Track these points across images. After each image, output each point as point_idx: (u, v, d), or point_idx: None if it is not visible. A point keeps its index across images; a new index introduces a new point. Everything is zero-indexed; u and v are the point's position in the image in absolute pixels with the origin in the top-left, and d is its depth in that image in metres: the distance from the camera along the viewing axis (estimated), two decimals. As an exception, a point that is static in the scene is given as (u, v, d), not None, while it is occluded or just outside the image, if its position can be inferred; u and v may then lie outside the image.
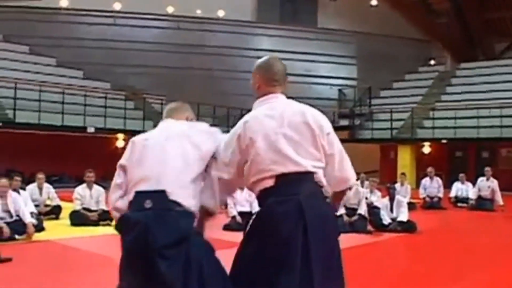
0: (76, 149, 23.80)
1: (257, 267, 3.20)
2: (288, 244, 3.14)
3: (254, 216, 3.34)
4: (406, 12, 30.45)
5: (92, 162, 21.97)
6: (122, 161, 3.49)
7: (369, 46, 34.09)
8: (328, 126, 3.58)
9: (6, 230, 8.95)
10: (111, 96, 24.81)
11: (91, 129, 22.96)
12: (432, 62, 35.40)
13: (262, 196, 3.34)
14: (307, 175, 3.33)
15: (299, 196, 3.21)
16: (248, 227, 3.36)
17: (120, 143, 25.35)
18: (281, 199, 3.21)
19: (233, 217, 11.50)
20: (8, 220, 9.37)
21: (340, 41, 34.68)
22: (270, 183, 3.29)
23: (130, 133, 24.22)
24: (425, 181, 17.96)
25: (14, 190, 10.19)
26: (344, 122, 30.69)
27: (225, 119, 27.67)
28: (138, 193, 3.24)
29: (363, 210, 11.59)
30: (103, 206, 11.79)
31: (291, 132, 3.42)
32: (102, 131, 23.50)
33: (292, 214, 3.17)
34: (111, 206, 3.46)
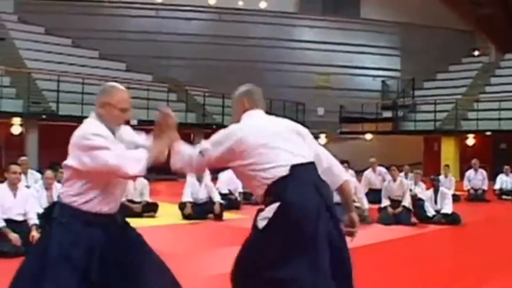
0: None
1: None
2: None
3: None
4: (450, 2, 30.09)
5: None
6: None
7: (412, 37, 33.73)
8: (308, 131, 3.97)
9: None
10: (153, 89, 25.01)
11: (133, 122, 23.17)
12: (476, 53, 34.94)
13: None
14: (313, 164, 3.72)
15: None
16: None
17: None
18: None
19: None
20: (54, 211, 9.52)
21: (383, 32, 34.36)
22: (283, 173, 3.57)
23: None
24: (469, 173, 17.84)
25: (59, 182, 10.36)
26: (387, 114, 30.54)
27: (268, 111, 27.73)
28: None
29: (407, 202, 11.59)
30: (147, 198, 11.95)
31: (286, 134, 3.80)
32: (144, 123, 23.71)
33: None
34: None
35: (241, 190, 14.38)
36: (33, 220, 7.94)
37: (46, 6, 30.23)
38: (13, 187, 8.02)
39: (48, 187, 9.70)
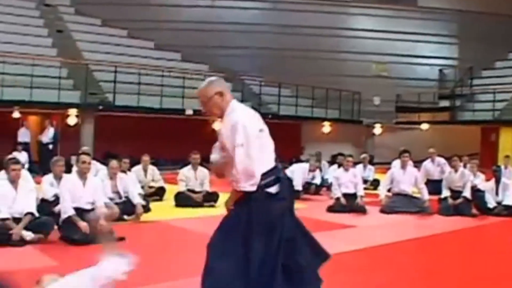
0: (173, 132, 24.41)
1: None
2: None
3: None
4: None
5: (189, 144, 22.66)
6: None
7: (470, 24, 33.19)
8: None
9: (116, 211, 9.38)
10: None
11: (189, 112, 23.49)
12: (537, 40, 34.26)
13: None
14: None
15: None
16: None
17: (217, 125, 25.79)
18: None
19: (337, 199, 11.68)
20: (117, 201, 9.85)
21: (440, 19, 33.90)
22: None
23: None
24: (528, 163, 17.62)
25: (122, 171, 10.69)
26: (445, 103, 30.32)
27: (323, 100, 27.78)
28: None
29: (468, 193, 11.57)
30: (207, 188, 12.21)
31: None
32: (200, 113, 23.96)
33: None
34: None
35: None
36: (102, 208, 8.28)
37: (102, -3, 30.84)
38: (83, 176, 8.35)
39: (112, 177, 10.04)
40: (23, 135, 20.77)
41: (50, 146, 20.62)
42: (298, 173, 14.05)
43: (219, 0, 32.34)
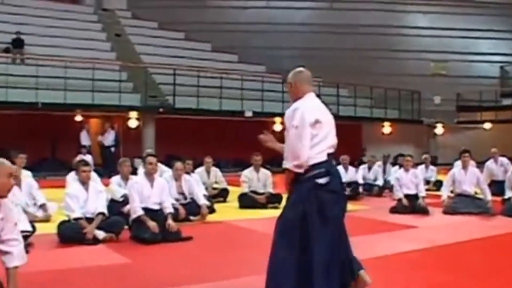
0: (232, 134, 24.76)
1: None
2: None
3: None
4: None
5: (248, 146, 22.95)
6: None
7: (532, 18, 32.89)
8: None
9: (182, 211, 9.72)
10: (267, 80, 25.57)
11: (249, 113, 23.83)
12: None
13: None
14: None
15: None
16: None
17: (277, 127, 25.96)
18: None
19: (399, 200, 11.80)
20: (183, 201, 10.22)
21: (501, 14, 33.53)
22: None
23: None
24: None
25: (187, 173, 11.06)
26: (507, 102, 29.98)
27: (382, 99, 27.82)
28: None
29: (533, 193, 11.56)
30: (270, 189, 12.49)
31: None
32: (259, 115, 24.29)
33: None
34: None
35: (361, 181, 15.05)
36: (169, 209, 8.64)
37: (158, 1, 31.49)
38: (150, 177, 8.73)
39: (177, 178, 10.42)
40: (84, 139, 21.40)
41: (112, 149, 21.24)
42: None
43: (274, 1, 32.68)
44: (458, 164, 13.47)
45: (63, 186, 12.35)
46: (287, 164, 4.67)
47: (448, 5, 33.43)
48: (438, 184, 16.19)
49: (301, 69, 5.10)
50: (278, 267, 4.67)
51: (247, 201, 12.22)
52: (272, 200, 12.29)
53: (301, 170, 4.60)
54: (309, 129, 4.64)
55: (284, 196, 12.36)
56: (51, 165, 21.25)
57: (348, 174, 14.67)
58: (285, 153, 4.75)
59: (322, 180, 4.62)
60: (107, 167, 18.70)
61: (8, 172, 4.40)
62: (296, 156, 4.60)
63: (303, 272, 4.55)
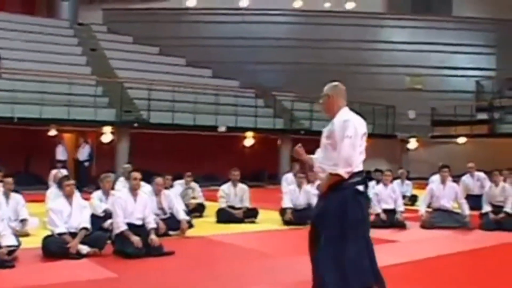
0: (206, 148, 24.90)
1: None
2: None
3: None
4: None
5: (222, 161, 23.14)
6: None
7: (508, 33, 33.12)
8: None
9: (162, 226, 9.87)
10: (241, 95, 25.75)
11: (222, 128, 23.97)
12: None
13: None
14: None
15: None
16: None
17: (248, 142, 26.17)
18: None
19: (377, 215, 12.00)
20: (163, 216, 10.36)
21: (477, 29, 33.92)
22: None
23: (260, 132, 25.23)
24: None
25: (166, 188, 11.22)
26: (483, 116, 30.29)
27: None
28: None
29: (509, 207, 11.77)
30: (247, 204, 12.69)
31: None
32: (233, 130, 24.45)
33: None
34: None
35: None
36: (152, 224, 8.83)
37: (133, 15, 31.77)
38: (134, 192, 8.91)
39: (157, 193, 10.57)
40: (61, 153, 21.41)
41: (86, 164, 21.30)
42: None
43: (249, 16, 32.84)
44: (434, 179, 13.75)
45: (37, 201, 12.47)
46: (337, 169, 5.06)
47: (423, 19, 33.82)
48: (414, 199, 16.52)
49: (337, 83, 5.58)
50: (356, 265, 5.06)
51: (225, 216, 12.41)
52: (249, 214, 12.57)
53: (347, 176, 5.06)
54: (359, 141, 5.15)
55: (261, 211, 12.65)
56: (25, 179, 21.13)
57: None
58: (333, 158, 5.17)
59: (360, 187, 5.16)
60: (80, 182, 18.74)
61: None
62: (349, 164, 5.07)
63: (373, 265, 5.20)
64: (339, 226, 5.04)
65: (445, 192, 12.42)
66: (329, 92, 5.48)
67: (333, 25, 32.69)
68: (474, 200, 13.54)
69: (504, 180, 13.49)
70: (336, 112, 5.38)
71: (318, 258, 5.19)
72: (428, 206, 12.47)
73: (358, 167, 5.17)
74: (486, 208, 12.12)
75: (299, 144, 5.65)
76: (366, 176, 5.36)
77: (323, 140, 5.39)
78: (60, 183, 8.89)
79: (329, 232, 5.09)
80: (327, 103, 5.48)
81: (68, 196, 8.52)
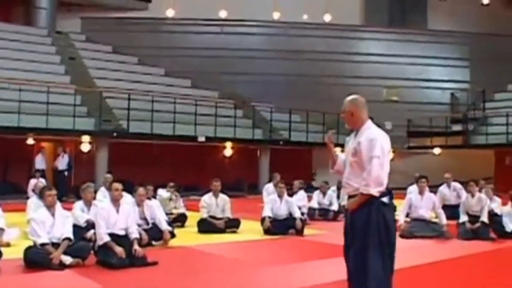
0: (186, 158, 24.89)
1: None
2: None
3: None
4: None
5: (201, 170, 23.11)
6: None
7: (482, 47, 33.69)
8: None
9: (145, 237, 9.85)
10: (220, 105, 25.76)
11: (201, 138, 23.96)
12: (550, 61, 34.54)
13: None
14: None
15: None
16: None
17: (228, 152, 26.28)
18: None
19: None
20: (145, 227, 10.34)
21: (451, 42, 34.43)
22: None
23: (239, 142, 25.28)
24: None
25: (148, 198, 11.18)
26: (457, 127, 30.61)
27: (334, 125, 28.18)
28: None
29: (485, 217, 11.91)
30: (228, 214, 12.68)
31: None
32: (212, 140, 24.46)
33: None
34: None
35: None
36: (135, 234, 8.79)
37: (112, 25, 31.65)
38: (115, 203, 8.88)
39: (139, 204, 10.54)
40: (40, 162, 21.28)
41: (66, 173, 21.18)
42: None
43: (228, 27, 32.91)
44: (412, 189, 13.88)
45: (16, 210, 12.37)
46: (369, 190, 5.12)
47: (400, 32, 34.17)
48: (392, 209, 16.57)
49: (355, 96, 5.51)
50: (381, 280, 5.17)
51: (206, 226, 12.37)
52: (230, 224, 12.55)
53: (379, 194, 5.16)
54: (387, 158, 5.24)
55: (243, 221, 12.67)
56: (2, 188, 21.06)
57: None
58: (364, 178, 5.18)
59: (385, 199, 5.24)
60: (60, 191, 18.60)
61: None
62: (380, 183, 5.16)
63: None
64: (364, 238, 5.15)
65: (423, 203, 12.55)
66: (351, 108, 5.42)
67: (311, 36, 32.93)
68: (451, 210, 13.72)
69: (480, 190, 13.64)
70: (361, 125, 5.40)
71: (351, 270, 5.33)
72: (407, 216, 12.55)
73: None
74: (463, 217, 12.22)
75: (333, 131, 6.02)
76: (390, 188, 5.40)
77: (349, 157, 5.43)
78: (41, 193, 8.82)
79: (357, 244, 5.21)
80: (350, 120, 5.44)
81: (50, 207, 8.45)
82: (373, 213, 5.17)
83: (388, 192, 5.30)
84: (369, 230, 5.15)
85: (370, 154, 5.15)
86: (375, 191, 5.12)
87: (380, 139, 5.24)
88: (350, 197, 5.46)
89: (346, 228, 5.48)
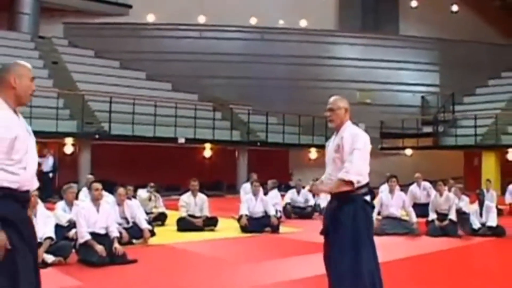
0: (166, 159, 24.85)
1: None
2: None
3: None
4: (487, 17, 30.35)
5: (181, 171, 23.06)
6: None
7: (451, 52, 34.08)
8: None
9: (125, 235, 9.84)
10: (199, 108, 25.75)
11: (181, 140, 23.94)
12: (515, 66, 34.90)
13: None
14: None
15: None
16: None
17: (207, 153, 26.32)
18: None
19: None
20: (125, 226, 10.33)
21: (422, 48, 34.75)
22: None
23: (218, 143, 25.31)
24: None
25: (129, 198, 11.16)
26: (428, 129, 30.89)
27: (310, 127, 28.31)
28: None
29: (453, 215, 12.04)
30: (206, 213, 12.69)
31: None
32: (192, 141, 24.45)
33: None
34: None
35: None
36: (115, 233, 8.78)
37: (94, 29, 31.56)
38: (96, 202, 8.86)
39: (120, 203, 10.52)
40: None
41: (51, 175, 21.05)
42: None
43: (207, 32, 32.95)
44: (383, 188, 13.98)
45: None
46: (349, 176, 5.14)
47: (373, 37, 34.34)
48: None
49: (344, 97, 5.64)
50: (370, 276, 5.18)
51: (185, 225, 12.39)
52: (209, 223, 12.59)
53: (357, 185, 5.17)
54: (368, 153, 5.33)
55: (220, 220, 12.68)
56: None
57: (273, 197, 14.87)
58: (346, 167, 5.19)
59: (368, 198, 5.31)
60: (44, 192, 18.45)
61: (31, 76, 4.30)
62: (359, 173, 5.19)
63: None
64: (350, 235, 5.15)
65: (394, 201, 12.68)
66: (346, 105, 5.52)
67: (287, 41, 33.04)
68: (421, 208, 13.82)
69: (449, 190, 13.76)
70: (341, 125, 5.46)
71: (332, 268, 5.31)
72: (378, 214, 12.62)
73: (366, 178, 5.30)
74: (432, 215, 12.34)
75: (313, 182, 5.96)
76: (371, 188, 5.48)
77: (331, 154, 5.46)
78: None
79: (342, 241, 5.20)
80: (338, 116, 5.46)
81: (32, 207, 8.41)
82: (359, 210, 5.21)
83: (370, 191, 5.37)
84: (357, 228, 5.16)
85: (353, 146, 5.20)
86: (354, 178, 5.13)
87: (363, 135, 5.34)
88: (332, 194, 5.48)
89: (327, 227, 5.45)
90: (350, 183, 5.13)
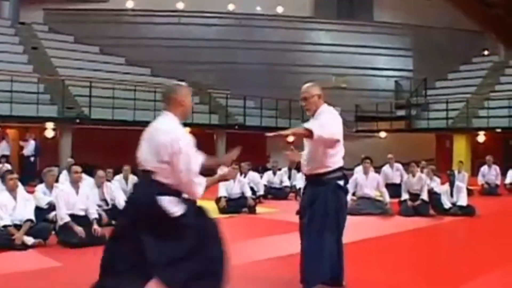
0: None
1: None
2: None
3: None
4: (460, 4, 30.42)
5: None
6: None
7: (424, 38, 34.21)
8: None
9: (105, 217, 9.76)
10: (179, 92, 25.54)
11: (161, 124, 23.79)
12: (486, 52, 35.07)
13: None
14: None
15: None
16: None
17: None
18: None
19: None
20: (105, 207, 10.28)
21: (396, 34, 34.80)
22: None
23: (196, 127, 25.21)
24: (484, 168, 18.32)
25: (108, 180, 11.10)
26: (401, 113, 31.04)
27: (287, 111, 28.28)
28: None
29: (425, 195, 12.16)
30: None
31: None
32: (171, 125, 24.30)
33: None
34: None
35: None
36: (94, 214, 8.72)
37: (74, 15, 31.26)
38: (75, 185, 8.78)
39: (99, 185, 10.45)
40: (4, 149, 20.92)
41: (32, 159, 20.87)
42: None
43: (186, 18, 32.77)
44: (358, 169, 14.02)
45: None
46: (310, 126, 5.19)
47: (347, 24, 34.34)
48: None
49: (315, 83, 5.72)
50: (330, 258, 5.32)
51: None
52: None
53: (316, 138, 5.15)
54: (340, 136, 5.42)
55: (198, 202, 12.62)
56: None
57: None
58: (320, 136, 5.19)
59: (341, 182, 5.38)
60: (25, 176, 18.29)
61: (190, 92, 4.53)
62: (325, 131, 5.18)
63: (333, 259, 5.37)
64: (318, 217, 5.23)
65: (368, 182, 12.76)
66: (318, 92, 5.56)
67: (264, 27, 32.98)
68: (394, 189, 13.92)
69: (421, 171, 13.86)
70: (317, 109, 5.50)
71: (304, 249, 5.39)
72: (353, 195, 12.67)
73: (339, 162, 5.38)
74: (405, 196, 12.45)
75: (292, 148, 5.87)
76: (344, 173, 5.52)
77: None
78: (3, 177, 8.69)
79: (310, 221, 5.30)
80: (315, 102, 5.51)
81: (12, 190, 8.35)
82: (330, 194, 5.28)
83: (343, 176, 5.43)
84: (325, 210, 5.23)
85: (326, 121, 5.27)
86: (318, 131, 5.12)
87: (338, 119, 5.46)
88: (307, 176, 5.56)
89: (303, 208, 5.54)
90: (310, 132, 5.13)
